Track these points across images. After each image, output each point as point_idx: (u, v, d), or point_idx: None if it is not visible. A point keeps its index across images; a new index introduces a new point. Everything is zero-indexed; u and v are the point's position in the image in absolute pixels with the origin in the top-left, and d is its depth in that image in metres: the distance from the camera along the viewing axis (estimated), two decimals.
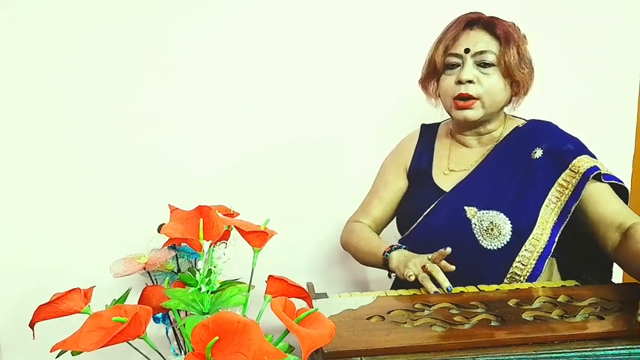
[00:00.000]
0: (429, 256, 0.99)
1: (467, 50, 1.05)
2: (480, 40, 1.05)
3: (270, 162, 1.49)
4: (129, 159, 1.43)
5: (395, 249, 1.07)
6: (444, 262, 0.97)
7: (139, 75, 1.40)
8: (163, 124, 1.43)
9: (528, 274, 1.01)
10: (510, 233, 1.02)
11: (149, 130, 1.42)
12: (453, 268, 0.96)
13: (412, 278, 0.97)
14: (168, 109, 1.42)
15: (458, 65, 1.07)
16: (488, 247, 1.03)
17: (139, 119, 1.41)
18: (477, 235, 1.04)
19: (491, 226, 1.03)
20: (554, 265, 1.09)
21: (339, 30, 1.45)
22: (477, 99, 1.05)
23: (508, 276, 1.02)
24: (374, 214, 1.22)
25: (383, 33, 1.46)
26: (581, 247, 1.05)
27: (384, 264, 1.07)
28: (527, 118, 1.15)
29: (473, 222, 1.05)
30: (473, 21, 1.07)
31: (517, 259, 1.02)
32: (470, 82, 1.04)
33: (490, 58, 1.04)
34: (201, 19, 1.39)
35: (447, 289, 0.92)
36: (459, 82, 1.05)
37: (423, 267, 0.97)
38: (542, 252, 1.01)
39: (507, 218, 1.03)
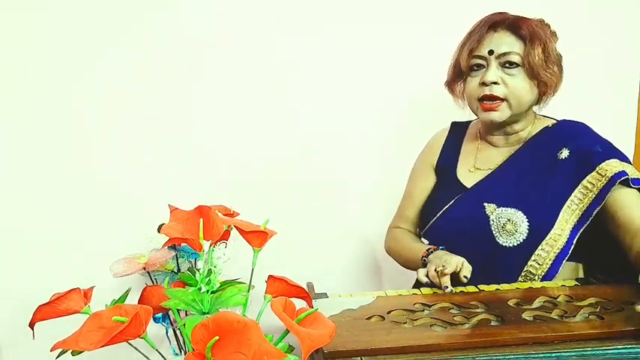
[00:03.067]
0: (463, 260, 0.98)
1: (491, 52, 1.04)
2: (504, 42, 1.04)
3: (271, 162, 1.48)
4: (129, 158, 1.42)
5: (431, 252, 1.06)
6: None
7: (140, 74, 1.39)
8: (164, 124, 1.42)
9: (543, 273, 1.01)
10: (527, 231, 1.02)
11: (150, 130, 1.42)
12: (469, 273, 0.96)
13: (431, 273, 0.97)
14: (168, 109, 1.42)
15: (482, 67, 1.06)
16: (504, 244, 1.03)
17: (140, 119, 1.41)
18: (494, 232, 1.04)
19: (507, 223, 1.03)
20: (579, 271, 1.08)
21: (342, 30, 1.44)
22: (503, 100, 1.04)
23: (522, 274, 1.02)
24: (409, 217, 1.24)
25: (388, 33, 1.45)
26: (608, 252, 1.02)
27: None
28: (559, 118, 1.14)
29: (491, 218, 1.05)
30: (497, 22, 1.06)
31: (533, 258, 1.01)
32: (494, 83, 1.04)
33: (514, 58, 1.03)
34: (201, 19, 1.39)
35: (444, 288, 0.93)
36: (484, 84, 1.05)
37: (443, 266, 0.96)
38: (559, 253, 1.00)
39: (525, 216, 1.02)
